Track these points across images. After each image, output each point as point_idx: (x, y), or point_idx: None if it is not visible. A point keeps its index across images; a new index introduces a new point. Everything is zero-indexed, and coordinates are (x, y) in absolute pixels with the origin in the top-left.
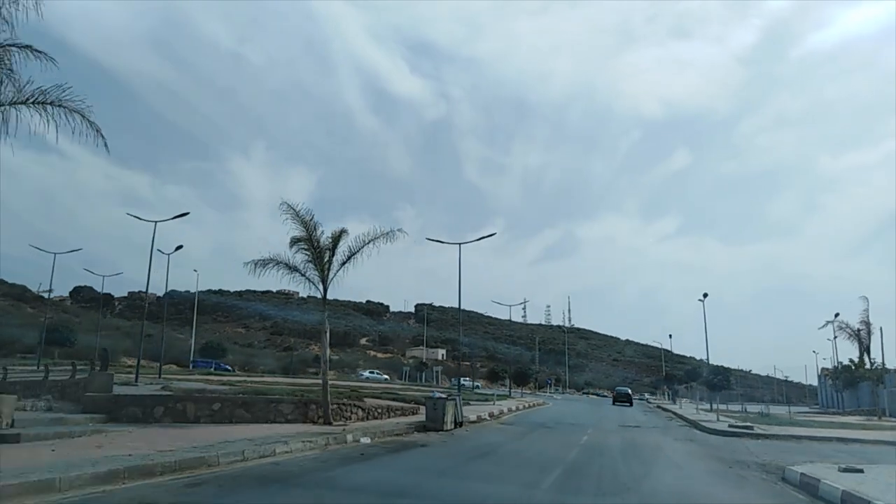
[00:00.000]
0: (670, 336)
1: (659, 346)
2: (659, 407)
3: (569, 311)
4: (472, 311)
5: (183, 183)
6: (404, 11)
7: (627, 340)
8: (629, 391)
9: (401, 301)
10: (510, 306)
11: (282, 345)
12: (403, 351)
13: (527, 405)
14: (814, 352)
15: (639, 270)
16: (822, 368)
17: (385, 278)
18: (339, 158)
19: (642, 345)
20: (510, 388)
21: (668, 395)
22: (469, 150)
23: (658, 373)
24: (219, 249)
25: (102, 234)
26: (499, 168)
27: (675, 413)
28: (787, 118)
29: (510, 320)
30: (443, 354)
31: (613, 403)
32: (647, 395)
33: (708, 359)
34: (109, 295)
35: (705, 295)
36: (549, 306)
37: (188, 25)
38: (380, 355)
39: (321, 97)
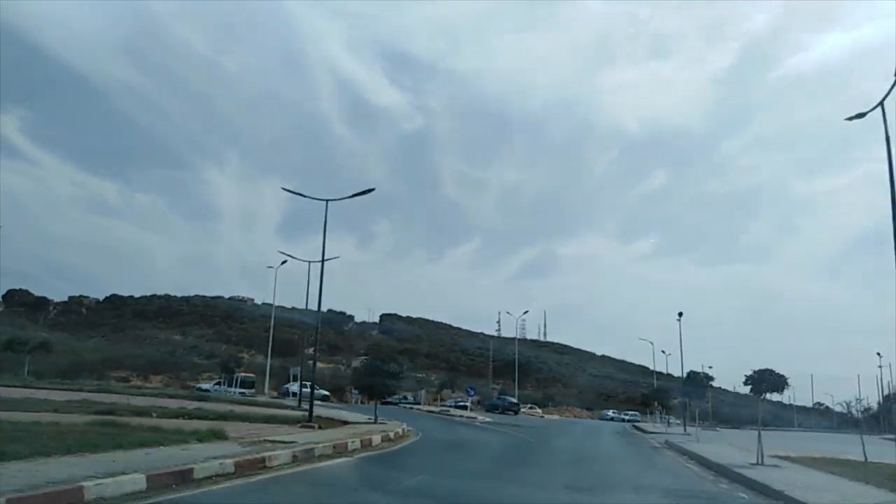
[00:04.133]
0: (679, 314)
1: (650, 345)
2: (668, 444)
3: (545, 325)
4: (442, 323)
5: (153, 191)
6: (384, 23)
7: (603, 356)
8: (516, 400)
9: (366, 311)
10: None
11: (212, 353)
12: (350, 360)
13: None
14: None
15: (617, 289)
16: None
17: (355, 289)
18: (314, 170)
19: (618, 361)
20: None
21: (663, 416)
22: (447, 165)
23: (638, 389)
24: (186, 259)
25: (70, 241)
26: (477, 183)
27: None
28: (764, 140)
29: (483, 334)
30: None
31: (497, 412)
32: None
33: None
34: (44, 298)
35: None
36: (524, 320)
37: (163, 33)
38: (321, 364)
39: (298, 108)
